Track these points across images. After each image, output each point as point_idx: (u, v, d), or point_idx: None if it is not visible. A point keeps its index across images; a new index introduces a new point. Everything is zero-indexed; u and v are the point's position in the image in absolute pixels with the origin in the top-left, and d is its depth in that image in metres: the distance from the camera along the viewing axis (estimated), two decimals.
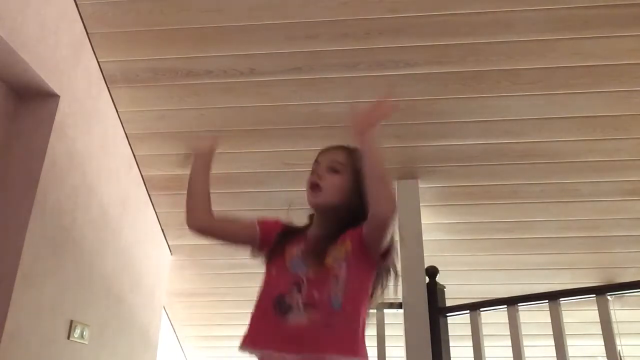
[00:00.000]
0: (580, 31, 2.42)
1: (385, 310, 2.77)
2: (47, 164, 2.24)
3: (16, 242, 2.09)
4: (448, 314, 2.70)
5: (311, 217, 1.34)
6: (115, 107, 2.84)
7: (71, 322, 2.43)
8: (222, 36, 2.54)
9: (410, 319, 2.71)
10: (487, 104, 2.72)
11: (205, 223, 1.35)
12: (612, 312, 2.12)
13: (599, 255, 3.38)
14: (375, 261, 1.19)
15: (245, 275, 3.69)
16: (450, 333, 2.69)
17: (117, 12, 2.46)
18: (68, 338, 2.40)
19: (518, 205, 3.15)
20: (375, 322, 2.71)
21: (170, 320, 3.99)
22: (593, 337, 2.70)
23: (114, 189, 2.85)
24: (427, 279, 2.78)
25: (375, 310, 2.76)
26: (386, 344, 2.67)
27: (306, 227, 1.32)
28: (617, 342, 2.07)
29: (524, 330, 2.37)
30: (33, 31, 2.15)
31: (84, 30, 2.53)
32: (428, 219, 3.20)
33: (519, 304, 2.37)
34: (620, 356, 2.24)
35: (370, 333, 2.63)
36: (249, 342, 1.17)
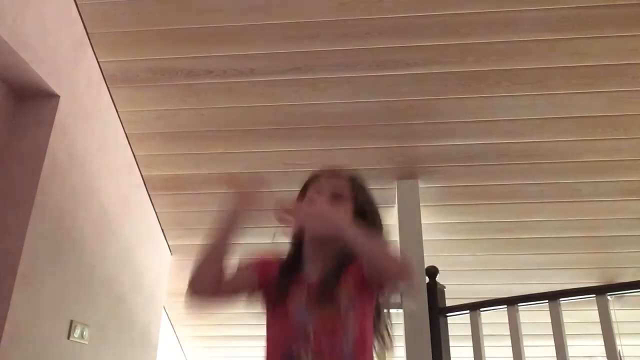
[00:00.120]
0: (580, 31, 2.42)
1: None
2: (47, 164, 2.24)
3: (16, 242, 2.09)
4: (448, 314, 2.69)
5: (297, 246, 1.24)
6: (115, 107, 2.84)
7: (71, 322, 2.43)
8: (222, 36, 2.54)
9: (410, 319, 2.71)
10: (487, 104, 2.72)
11: (212, 295, 1.24)
12: (612, 312, 2.12)
13: (599, 255, 3.38)
14: (374, 292, 1.15)
15: None
16: (450, 333, 2.69)
17: (117, 12, 2.46)
18: (68, 338, 2.40)
19: (518, 205, 3.15)
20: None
21: (170, 320, 3.99)
22: (593, 337, 2.70)
23: (114, 189, 2.85)
24: (427, 279, 2.77)
25: None
26: None
27: (298, 260, 1.22)
28: (617, 342, 2.07)
29: (524, 330, 2.37)
30: (33, 31, 2.15)
31: (84, 30, 2.53)
32: (428, 219, 3.20)
33: (519, 304, 2.37)
34: (620, 356, 2.24)
35: None
36: None
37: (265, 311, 1.22)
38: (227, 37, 2.54)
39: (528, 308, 2.42)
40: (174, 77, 2.69)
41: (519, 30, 2.44)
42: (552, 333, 2.20)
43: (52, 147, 2.27)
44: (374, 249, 1.07)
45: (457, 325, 2.83)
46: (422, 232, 2.96)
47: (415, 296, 2.75)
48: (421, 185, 3.08)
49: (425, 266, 2.80)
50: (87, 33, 2.55)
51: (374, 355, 1.14)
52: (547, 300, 2.28)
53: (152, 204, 3.32)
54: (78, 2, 2.45)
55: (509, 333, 2.34)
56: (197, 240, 3.63)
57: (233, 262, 1.24)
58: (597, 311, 2.12)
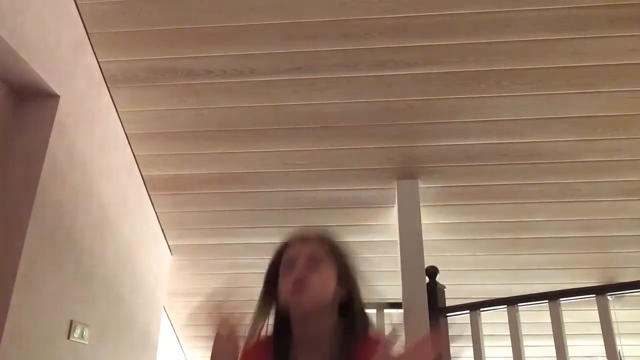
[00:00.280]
0: (580, 31, 2.42)
1: (385, 311, 2.77)
2: (47, 164, 2.24)
3: (16, 242, 2.09)
4: (448, 314, 2.69)
5: (281, 324, 1.06)
6: (115, 107, 2.84)
7: (71, 322, 2.42)
8: (222, 36, 2.54)
9: (410, 319, 2.71)
10: (487, 104, 2.72)
11: None
12: (612, 312, 2.12)
13: (599, 255, 3.38)
14: None
15: (245, 275, 3.69)
16: (450, 333, 2.68)
17: (117, 12, 2.46)
18: (68, 338, 2.40)
19: (518, 205, 3.15)
20: (375, 322, 2.71)
21: (170, 320, 3.99)
22: (593, 337, 2.70)
23: (114, 189, 2.85)
24: (427, 279, 2.77)
25: (375, 310, 2.76)
26: None
27: (285, 345, 1.05)
28: (617, 342, 2.07)
29: (524, 330, 2.37)
30: (33, 31, 2.15)
31: (84, 30, 2.53)
32: (428, 219, 3.20)
33: (519, 304, 2.38)
34: (620, 356, 2.24)
35: None
36: None
37: None
38: (227, 37, 2.54)
39: (528, 308, 2.42)
40: (174, 77, 2.69)
41: (519, 30, 2.44)
42: (552, 333, 2.20)
43: (52, 147, 2.27)
44: None
45: (457, 325, 2.83)
46: (422, 232, 2.96)
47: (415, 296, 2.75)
48: (421, 185, 3.08)
49: (425, 266, 2.80)
50: (87, 33, 2.55)
51: None
52: (547, 300, 2.28)
53: (152, 204, 3.32)
54: (78, 2, 2.45)
55: (509, 333, 2.34)
56: (197, 240, 3.66)
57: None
58: (597, 311, 2.12)
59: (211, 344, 1.12)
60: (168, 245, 3.57)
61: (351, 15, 2.44)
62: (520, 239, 3.33)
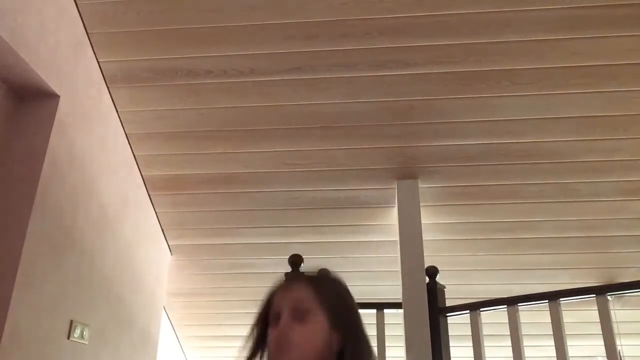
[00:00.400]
0: (580, 31, 2.43)
1: (386, 310, 2.77)
2: (47, 164, 2.24)
3: (16, 242, 2.09)
4: (448, 314, 2.70)
5: None
6: (115, 107, 2.84)
7: (71, 322, 2.43)
8: (222, 36, 2.54)
9: (410, 319, 2.71)
10: (487, 104, 2.72)
11: None
12: (612, 312, 2.12)
13: (599, 255, 3.38)
14: None
15: (245, 275, 3.69)
16: (450, 333, 2.69)
17: (117, 12, 2.46)
18: (68, 338, 2.40)
19: (518, 205, 3.15)
20: (375, 322, 2.71)
21: (170, 320, 3.99)
22: (593, 337, 2.70)
23: (114, 189, 2.85)
24: (427, 279, 2.78)
25: (375, 310, 2.76)
26: (386, 344, 2.67)
27: None
28: (617, 342, 2.07)
29: (524, 330, 2.37)
30: (33, 31, 2.15)
31: (84, 30, 2.53)
32: (428, 219, 3.20)
33: (519, 304, 2.37)
34: (620, 356, 2.24)
35: (370, 333, 2.64)
36: None
37: None
38: (227, 37, 2.54)
39: (528, 308, 2.42)
40: (174, 77, 2.69)
41: (519, 30, 2.44)
42: (552, 333, 2.20)
43: (52, 147, 2.27)
44: None
45: (457, 325, 2.83)
46: (422, 232, 2.96)
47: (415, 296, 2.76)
48: (421, 185, 3.08)
49: (425, 266, 2.80)
50: (87, 33, 2.55)
51: None
52: (547, 300, 2.28)
53: (152, 204, 3.32)
54: (78, 2, 2.45)
55: (509, 333, 2.34)
56: (197, 240, 3.67)
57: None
58: (597, 311, 2.12)
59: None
60: (168, 245, 3.57)
61: (351, 15, 2.44)
62: (520, 239, 3.33)
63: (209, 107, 2.82)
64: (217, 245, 3.54)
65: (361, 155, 2.99)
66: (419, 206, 3.02)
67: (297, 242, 3.41)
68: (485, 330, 2.53)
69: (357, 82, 2.68)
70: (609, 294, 2.16)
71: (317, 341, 0.93)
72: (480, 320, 2.51)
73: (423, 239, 2.94)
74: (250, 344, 1.00)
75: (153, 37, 2.56)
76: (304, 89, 2.72)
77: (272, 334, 0.95)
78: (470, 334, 2.49)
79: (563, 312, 2.23)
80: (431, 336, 2.63)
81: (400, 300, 2.80)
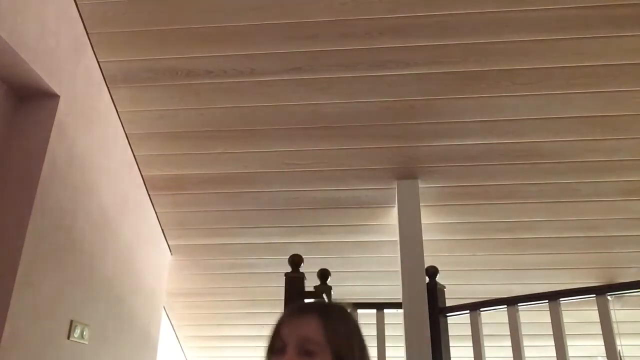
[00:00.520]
0: (580, 31, 2.43)
1: (386, 310, 2.77)
2: (47, 164, 2.24)
3: (16, 242, 2.09)
4: (448, 314, 2.70)
5: None
6: (115, 107, 2.84)
7: (71, 322, 2.43)
8: (222, 36, 2.54)
9: (410, 319, 2.71)
10: (487, 104, 2.72)
11: None
12: (612, 312, 2.12)
13: (599, 255, 3.38)
14: None
15: (245, 275, 3.69)
16: (450, 333, 2.69)
17: (117, 12, 2.46)
18: (68, 338, 2.40)
19: (518, 205, 3.15)
20: (375, 322, 2.71)
21: (170, 320, 3.99)
22: (593, 337, 2.70)
23: (114, 189, 2.85)
24: (427, 279, 2.78)
25: (375, 310, 2.76)
26: (386, 344, 2.67)
27: None
28: (617, 342, 2.07)
29: (524, 330, 2.37)
30: (33, 31, 2.15)
31: (84, 30, 2.53)
32: (428, 219, 3.20)
33: (519, 304, 2.37)
34: (620, 356, 2.24)
35: (370, 333, 2.64)
36: None
37: None
38: (227, 37, 2.54)
39: (528, 308, 2.42)
40: (174, 77, 2.69)
41: (519, 30, 2.44)
42: (552, 333, 2.20)
43: (52, 147, 2.27)
44: None
45: (457, 325, 2.83)
46: (422, 232, 2.96)
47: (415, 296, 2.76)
48: (421, 185, 3.08)
49: (425, 266, 2.80)
50: (87, 33, 2.55)
51: None
52: (547, 300, 2.28)
53: (152, 204, 3.32)
54: (78, 2, 2.45)
55: (509, 333, 2.34)
56: (197, 240, 3.67)
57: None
58: (597, 311, 2.12)
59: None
60: (168, 245, 3.57)
61: (351, 15, 2.44)
62: (520, 239, 3.33)
63: (209, 107, 2.83)
64: (217, 245, 3.54)
65: (361, 155, 2.99)
66: (419, 206, 3.02)
67: (297, 242, 3.41)
68: (485, 330, 2.53)
69: (357, 82, 2.68)
70: (609, 294, 2.16)
71: None
72: (480, 320, 2.51)
73: (423, 239, 2.94)
74: None
75: (153, 37, 2.56)
76: (304, 89, 2.72)
77: None
78: (470, 334, 2.49)
79: (563, 312, 2.23)
80: (431, 336, 2.63)
81: (400, 300, 2.80)
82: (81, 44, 2.52)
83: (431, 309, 2.70)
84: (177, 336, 4.15)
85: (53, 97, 2.32)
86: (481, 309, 2.51)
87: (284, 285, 2.69)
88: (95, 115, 2.66)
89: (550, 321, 2.23)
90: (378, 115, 2.80)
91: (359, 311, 2.69)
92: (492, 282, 3.59)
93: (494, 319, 2.70)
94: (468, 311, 2.54)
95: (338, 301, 0.99)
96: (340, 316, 0.98)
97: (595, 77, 2.57)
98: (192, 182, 3.18)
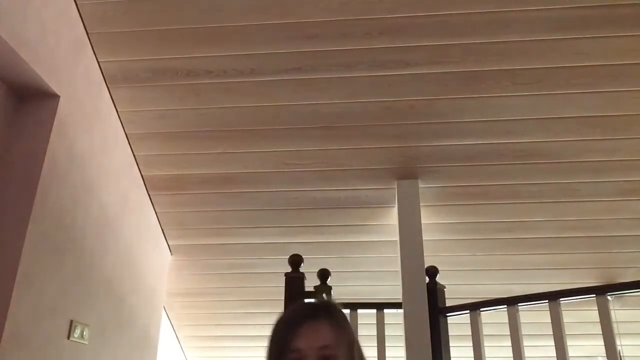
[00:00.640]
0: (580, 31, 2.43)
1: (385, 310, 2.77)
2: (47, 164, 2.24)
3: (16, 242, 2.09)
4: (448, 314, 2.70)
5: None
6: (115, 107, 2.84)
7: (71, 322, 2.43)
8: (222, 36, 2.54)
9: (410, 319, 2.71)
10: (487, 104, 2.72)
11: None
12: (612, 312, 2.12)
13: (599, 255, 3.38)
14: None
15: (245, 275, 3.69)
16: (450, 333, 2.69)
17: (117, 12, 2.46)
18: (68, 338, 2.40)
19: (518, 205, 3.15)
20: (375, 322, 2.71)
21: (170, 320, 3.99)
22: (593, 337, 2.70)
23: (114, 189, 2.85)
24: (427, 279, 2.78)
25: (375, 310, 2.76)
26: (386, 344, 2.67)
27: None
28: (617, 342, 2.07)
29: (524, 330, 2.37)
30: (33, 31, 2.15)
31: (84, 30, 2.53)
32: (428, 219, 3.20)
33: (519, 304, 2.37)
34: (620, 356, 2.24)
35: (370, 333, 2.64)
36: None
37: None
38: (227, 37, 2.54)
39: (528, 308, 2.42)
40: (174, 77, 2.69)
41: (519, 30, 2.44)
42: (552, 333, 2.20)
43: (52, 147, 2.27)
44: None
45: (457, 325, 2.83)
46: (422, 232, 2.96)
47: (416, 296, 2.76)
48: (421, 185, 3.08)
49: (425, 266, 2.80)
50: (87, 33, 2.55)
51: None
52: (547, 300, 2.28)
53: (152, 204, 3.32)
54: (78, 2, 2.45)
55: (509, 333, 2.34)
56: (197, 240, 3.66)
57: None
58: (597, 311, 2.12)
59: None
60: (168, 245, 3.57)
61: (351, 15, 2.44)
62: (520, 239, 3.33)
63: (209, 107, 2.82)
64: (217, 245, 3.54)
65: (361, 155, 2.99)
66: (419, 206, 3.02)
67: (297, 242, 3.41)
68: (485, 330, 2.53)
69: (357, 82, 2.68)
70: (609, 294, 2.16)
71: None
72: (480, 320, 2.51)
73: (423, 239, 2.94)
74: None
75: (153, 37, 2.56)
76: (304, 89, 2.72)
77: None
78: (470, 334, 2.49)
79: (563, 312, 2.23)
80: (431, 336, 2.63)
81: (400, 300, 2.80)
82: (81, 44, 2.52)
83: (431, 309, 2.70)
84: (177, 336, 4.15)
85: (53, 97, 2.32)
86: (481, 309, 2.51)
87: (284, 285, 2.69)
88: (95, 115, 2.66)
89: (550, 321, 2.23)
90: (378, 115, 2.80)
91: (359, 311, 2.69)
92: (492, 282, 3.59)
93: (494, 319, 2.70)
94: (468, 311, 2.54)
95: (328, 299, 0.98)
96: (342, 315, 0.97)
97: (595, 77, 2.57)
98: (192, 182, 3.18)
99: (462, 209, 3.21)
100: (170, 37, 2.55)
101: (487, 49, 2.51)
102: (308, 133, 2.91)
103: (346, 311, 1.06)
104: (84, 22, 2.51)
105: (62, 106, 2.35)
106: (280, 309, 2.51)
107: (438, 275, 2.77)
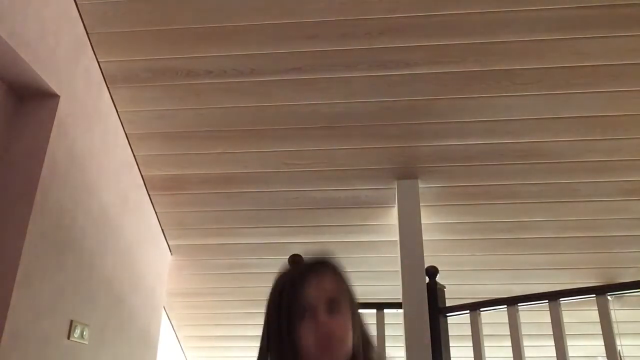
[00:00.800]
0: (580, 31, 2.42)
1: (385, 310, 2.77)
2: (47, 164, 2.24)
3: (16, 242, 2.09)
4: (448, 314, 2.70)
5: None
6: (115, 107, 2.84)
7: (71, 322, 2.43)
8: (222, 36, 2.54)
9: (410, 319, 2.71)
10: (487, 104, 2.72)
11: None
12: (612, 312, 2.12)
13: (599, 255, 3.38)
14: None
15: (245, 275, 3.69)
16: (450, 333, 2.69)
17: (117, 12, 2.46)
18: (68, 338, 2.40)
19: (518, 205, 3.15)
20: (375, 322, 2.71)
21: (170, 320, 3.99)
22: (593, 337, 2.70)
23: (114, 189, 2.85)
24: (427, 279, 2.78)
25: (375, 310, 2.76)
26: (386, 344, 2.67)
27: None
28: (617, 342, 2.07)
29: (524, 330, 2.37)
30: (33, 31, 2.15)
31: (84, 30, 2.53)
32: (428, 219, 3.20)
33: (519, 304, 2.37)
34: (620, 356, 2.24)
35: (370, 333, 2.64)
36: None
37: None
38: (227, 37, 2.54)
39: (528, 308, 2.42)
40: (174, 77, 2.69)
41: (519, 30, 2.44)
42: (552, 333, 2.20)
43: (52, 147, 2.27)
44: None
45: (457, 325, 2.83)
46: (422, 232, 2.96)
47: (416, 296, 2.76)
48: (421, 185, 3.08)
49: (425, 266, 2.80)
50: (87, 33, 2.55)
51: None
52: (547, 300, 2.28)
53: (152, 204, 3.32)
54: (78, 2, 2.45)
55: (509, 333, 2.34)
56: (197, 240, 3.66)
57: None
58: (597, 311, 2.12)
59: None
60: (168, 245, 3.57)
61: (351, 15, 2.44)
62: (520, 239, 3.33)
63: (209, 107, 2.82)
64: (217, 245, 3.54)
65: (361, 155, 2.99)
66: (419, 206, 3.02)
67: (297, 242, 3.41)
68: (485, 330, 2.53)
69: (357, 82, 2.68)
70: (609, 294, 2.16)
71: (350, 333, 0.93)
72: (480, 320, 2.51)
73: (423, 239, 2.94)
74: (274, 341, 0.96)
75: (153, 37, 2.56)
76: (304, 89, 2.72)
77: (308, 329, 0.91)
78: (470, 334, 2.49)
79: (563, 312, 2.23)
80: (431, 336, 2.63)
81: (400, 300, 2.80)
82: (81, 44, 2.52)
83: (431, 309, 2.70)
84: (177, 336, 4.15)
85: (53, 97, 2.32)
86: (481, 309, 2.51)
87: None
88: (95, 115, 2.66)
89: (550, 321, 2.23)
90: (378, 115, 2.80)
91: (359, 311, 2.69)
92: (492, 282, 3.59)
93: (494, 319, 2.69)
94: (468, 311, 2.54)
95: (327, 254, 1.02)
96: (341, 266, 1.01)
97: (595, 77, 2.57)
98: (192, 182, 3.18)
99: (462, 209, 3.21)
100: (170, 37, 2.55)
101: (487, 49, 2.51)
102: (308, 133, 2.91)
103: None
104: (84, 22, 2.51)
105: (62, 106, 2.35)
106: None
107: (438, 275, 2.77)
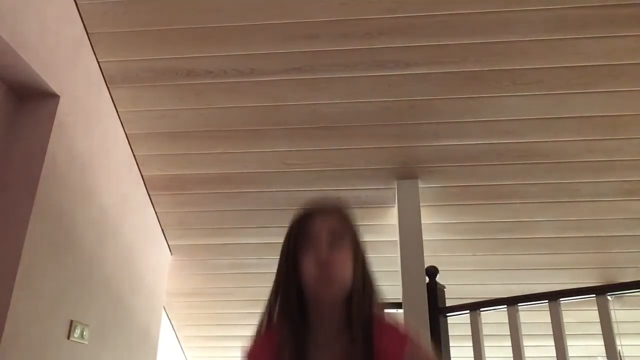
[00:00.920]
0: (580, 31, 2.42)
1: (385, 310, 2.77)
2: (47, 164, 2.24)
3: (16, 242, 2.09)
4: (448, 314, 2.70)
5: (292, 303, 1.00)
6: (115, 107, 2.84)
7: (71, 322, 2.43)
8: (222, 36, 2.54)
9: (410, 319, 2.71)
10: (487, 104, 2.72)
11: None
12: (612, 312, 2.12)
13: (599, 255, 3.38)
14: None
15: (245, 275, 3.69)
16: (450, 333, 2.69)
17: (117, 12, 2.46)
18: (68, 338, 2.40)
19: (518, 205, 3.15)
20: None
21: (170, 320, 3.99)
22: (593, 337, 2.70)
23: (113, 189, 2.85)
24: (427, 279, 2.78)
25: None
26: None
27: (302, 337, 1.00)
28: (617, 342, 2.07)
29: (524, 330, 2.37)
30: (33, 31, 2.15)
31: (84, 30, 2.53)
32: (428, 219, 3.20)
33: (519, 304, 2.37)
34: (620, 356, 2.24)
35: None
36: None
37: None
38: (227, 37, 2.54)
39: (528, 308, 2.42)
40: (174, 77, 2.69)
41: (519, 30, 2.44)
42: (552, 333, 2.20)
43: (52, 147, 2.27)
44: None
45: (457, 325, 2.83)
46: (422, 232, 2.96)
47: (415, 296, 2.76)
48: (421, 185, 3.08)
49: (425, 266, 2.80)
50: (87, 33, 2.55)
51: None
52: (547, 300, 2.28)
53: (152, 204, 3.32)
54: (78, 2, 2.45)
55: (509, 333, 2.34)
56: (197, 240, 3.66)
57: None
58: (597, 311, 2.12)
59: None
60: (168, 245, 3.57)
61: (351, 15, 2.44)
62: (520, 239, 3.33)
63: (209, 107, 2.82)
64: (217, 245, 3.54)
65: (361, 155, 2.99)
66: (419, 206, 3.02)
67: None
68: (485, 330, 2.53)
69: (357, 82, 2.68)
70: (609, 294, 2.16)
71: (349, 268, 0.98)
72: (480, 320, 2.51)
73: (423, 239, 2.94)
74: (280, 273, 1.02)
75: (153, 37, 2.56)
76: (304, 89, 2.72)
77: (309, 258, 0.96)
78: (470, 334, 2.49)
79: (563, 312, 2.23)
80: (431, 336, 2.63)
81: (400, 300, 2.80)
82: (81, 44, 2.52)
83: (431, 309, 2.70)
84: (177, 336, 4.15)
85: (53, 97, 2.32)
86: (481, 309, 2.51)
87: None
88: (95, 115, 2.66)
89: (550, 321, 2.23)
90: (378, 115, 2.80)
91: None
92: (492, 282, 3.59)
93: (494, 319, 2.69)
94: (468, 311, 2.54)
95: (337, 200, 1.08)
96: (348, 211, 1.06)
97: (595, 77, 2.57)
98: (192, 182, 3.18)
99: (462, 209, 3.21)
100: (170, 37, 2.55)
101: (487, 49, 2.51)
102: (308, 133, 2.91)
103: None
104: (84, 22, 2.51)
105: (62, 106, 2.35)
106: None
107: (438, 275, 2.77)
